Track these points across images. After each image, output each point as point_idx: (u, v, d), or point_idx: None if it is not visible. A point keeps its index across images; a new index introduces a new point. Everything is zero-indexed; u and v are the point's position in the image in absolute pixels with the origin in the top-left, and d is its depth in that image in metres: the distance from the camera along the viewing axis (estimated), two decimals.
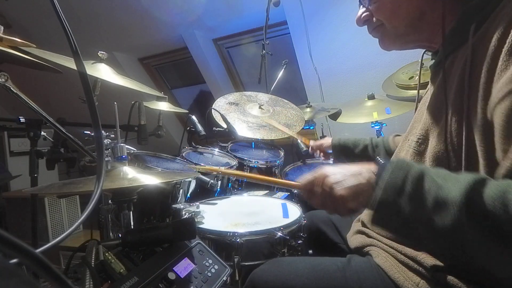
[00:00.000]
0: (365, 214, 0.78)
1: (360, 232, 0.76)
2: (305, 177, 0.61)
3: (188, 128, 1.56)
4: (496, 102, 0.44)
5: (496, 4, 0.51)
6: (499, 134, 0.45)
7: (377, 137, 1.11)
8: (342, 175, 0.55)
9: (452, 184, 0.43)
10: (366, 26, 0.71)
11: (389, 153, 1.01)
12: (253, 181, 0.87)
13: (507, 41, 0.45)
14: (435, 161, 0.57)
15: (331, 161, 1.47)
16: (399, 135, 1.02)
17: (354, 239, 0.77)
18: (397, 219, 0.48)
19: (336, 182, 0.54)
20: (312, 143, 1.31)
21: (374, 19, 0.67)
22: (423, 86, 0.82)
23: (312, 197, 0.60)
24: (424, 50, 0.72)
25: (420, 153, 0.61)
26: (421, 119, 0.64)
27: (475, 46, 0.50)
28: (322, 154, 1.28)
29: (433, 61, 0.67)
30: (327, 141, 1.22)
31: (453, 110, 0.54)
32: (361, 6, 0.69)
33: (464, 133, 0.51)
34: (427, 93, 0.70)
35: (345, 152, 1.14)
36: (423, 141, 0.61)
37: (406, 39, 0.66)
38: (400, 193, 0.47)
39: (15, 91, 0.76)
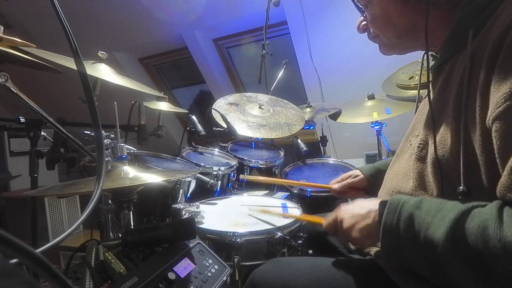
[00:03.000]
0: None
1: None
2: (327, 218, 0.69)
3: (188, 128, 1.56)
4: (494, 117, 0.45)
5: (494, 9, 0.50)
6: (496, 151, 0.46)
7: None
8: (354, 218, 0.60)
9: (439, 222, 0.47)
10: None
11: None
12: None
13: (503, 49, 0.44)
14: (434, 167, 0.57)
15: (331, 158, 1.42)
16: None
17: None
18: (399, 257, 0.55)
19: (349, 227, 0.61)
20: (336, 185, 1.01)
21: (371, 29, 0.69)
22: (423, 86, 0.82)
23: (336, 235, 0.67)
24: (424, 52, 0.72)
25: (421, 159, 0.61)
26: (422, 122, 0.64)
27: (474, 51, 0.50)
28: (353, 192, 1.00)
29: (434, 62, 0.67)
30: (356, 179, 0.98)
31: (452, 116, 0.54)
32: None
33: (462, 140, 0.51)
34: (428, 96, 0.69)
35: (380, 178, 0.93)
36: (423, 147, 0.61)
37: (402, 47, 0.68)
38: (396, 236, 0.52)
39: (15, 91, 0.76)
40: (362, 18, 0.70)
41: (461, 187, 0.51)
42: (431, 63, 0.68)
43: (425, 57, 0.73)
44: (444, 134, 0.55)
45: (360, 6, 0.68)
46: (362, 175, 0.97)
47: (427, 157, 0.59)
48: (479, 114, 0.48)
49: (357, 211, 0.60)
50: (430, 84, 0.68)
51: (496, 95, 0.45)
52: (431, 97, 0.64)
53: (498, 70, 0.45)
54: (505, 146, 0.44)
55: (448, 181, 0.55)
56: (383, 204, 0.56)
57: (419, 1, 0.58)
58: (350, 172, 1.02)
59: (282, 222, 0.95)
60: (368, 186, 0.97)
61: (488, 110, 0.46)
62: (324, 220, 0.70)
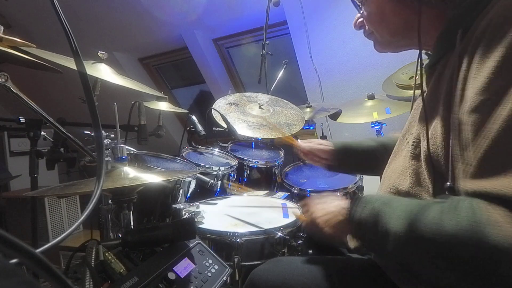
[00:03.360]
0: None
1: None
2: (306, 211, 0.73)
3: (188, 128, 1.56)
4: (468, 111, 0.46)
5: (482, 9, 0.51)
6: (465, 141, 0.47)
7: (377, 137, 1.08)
8: (327, 215, 0.65)
9: (401, 214, 0.50)
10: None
11: None
12: None
13: (479, 47, 0.46)
14: (428, 164, 0.57)
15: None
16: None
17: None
18: (369, 247, 0.61)
19: (324, 222, 0.65)
20: (304, 144, 1.04)
21: (366, 27, 0.70)
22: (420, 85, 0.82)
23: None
24: (419, 52, 0.72)
25: (416, 156, 0.61)
26: (417, 120, 0.65)
27: (461, 51, 0.51)
28: (316, 158, 1.03)
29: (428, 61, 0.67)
30: (324, 147, 1.01)
31: (441, 114, 0.54)
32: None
33: (450, 137, 0.52)
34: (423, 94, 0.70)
35: (348, 155, 0.98)
36: (417, 144, 0.61)
37: (397, 45, 0.69)
38: (363, 228, 0.56)
39: (15, 91, 0.76)
40: (359, 15, 0.71)
41: (448, 183, 0.52)
42: (427, 62, 0.69)
43: (418, 59, 0.73)
44: (434, 132, 0.56)
45: (358, 3, 0.69)
46: (332, 148, 0.99)
47: (420, 154, 0.60)
48: (457, 110, 0.49)
49: (331, 208, 0.65)
50: (424, 83, 0.69)
51: (472, 90, 0.46)
52: (425, 95, 0.64)
53: (474, 66, 0.46)
54: (475, 139, 0.45)
55: (441, 177, 0.56)
56: (352, 203, 0.60)
57: None
58: (323, 141, 1.04)
59: (282, 222, 0.96)
60: (333, 161, 1.00)
61: (462, 104, 0.48)
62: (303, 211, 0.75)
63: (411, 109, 0.73)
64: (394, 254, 0.53)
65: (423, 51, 0.71)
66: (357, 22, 0.72)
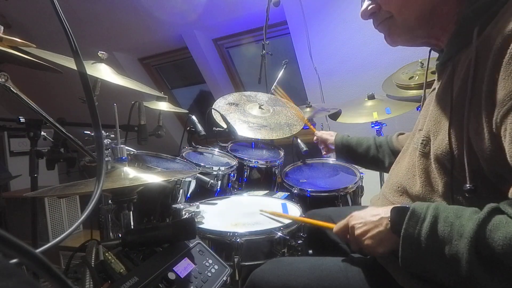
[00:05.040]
0: None
1: None
2: (338, 225, 0.70)
3: (188, 128, 1.56)
4: (502, 115, 0.44)
5: (500, 7, 0.50)
6: (507, 147, 0.45)
7: (379, 136, 1.09)
8: (365, 226, 0.61)
9: (460, 232, 0.46)
10: (367, 23, 0.69)
11: (393, 152, 1.00)
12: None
13: (510, 48, 0.44)
14: (439, 163, 0.56)
15: (331, 158, 1.49)
16: (402, 134, 1.02)
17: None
18: (419, 266, 0.53)
19: (361, 234, 0.61)
20: (318, 133, 1.31)
21: (381, 11, 0.64)
22: (429, 84, 0.81)
23: (347, 241, 0.68)
24: (430, 48, 0.70)
25: (425, 155, 0.60)
26: (425, 117, 0.64)
27: (479, 49, 0.50)
28: (324, 148, 1.29)
29: (438, 60, 0.66)
30: (331, 137, 1.23)
31: (454, 114, 0.53)
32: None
33: (464, 138, 0.51)
34: (433, 92, 0.68)
35: (347, 151, 1.15)
36: (427, 143, 0.60)
37: (415, 33, 0.64)
38: (417, 246, 0.51)
39: (15, 91, 0.76)
40: (369, 2, 0.66)
41: (467, 185, 0.50)
42: (434, 61, 0.68)
43: (429, 56, 0.72)
44: (447, 131, 0.54)
45: None
46: (332, 140, 1.22)
47: (430, 153, 0.59)
48: (484, 114, 0.47)
49: (369, 218, 0.60)
50: (436, 79, 0.68)
51: (502, 92, 0.44)
52: (435, 93, 0.63)
53: (504, 70, 0.44)
54: None
55: (452, 178, 0.55)
56: (395, 211, 0.56)
57: None
58: (332, 133, 1.25)
59: (282, 222, 0.95)
60: (337, 154, 1.20)
61: (494, 108, 0.46)
62: (335, 226, 0.71)
63: (421, 106, 0.73)
64: (452, 273, 0.48)
65: (432, 49, 0.70)
66: (369, 8, 0.65)
